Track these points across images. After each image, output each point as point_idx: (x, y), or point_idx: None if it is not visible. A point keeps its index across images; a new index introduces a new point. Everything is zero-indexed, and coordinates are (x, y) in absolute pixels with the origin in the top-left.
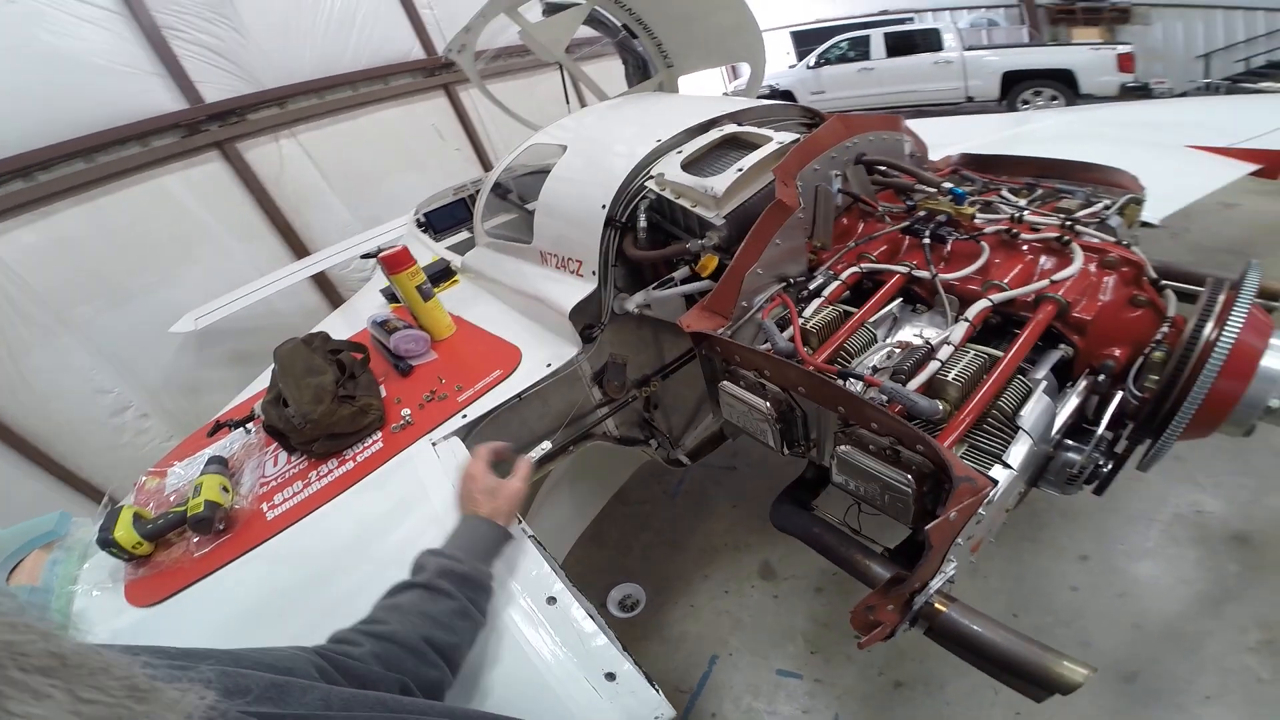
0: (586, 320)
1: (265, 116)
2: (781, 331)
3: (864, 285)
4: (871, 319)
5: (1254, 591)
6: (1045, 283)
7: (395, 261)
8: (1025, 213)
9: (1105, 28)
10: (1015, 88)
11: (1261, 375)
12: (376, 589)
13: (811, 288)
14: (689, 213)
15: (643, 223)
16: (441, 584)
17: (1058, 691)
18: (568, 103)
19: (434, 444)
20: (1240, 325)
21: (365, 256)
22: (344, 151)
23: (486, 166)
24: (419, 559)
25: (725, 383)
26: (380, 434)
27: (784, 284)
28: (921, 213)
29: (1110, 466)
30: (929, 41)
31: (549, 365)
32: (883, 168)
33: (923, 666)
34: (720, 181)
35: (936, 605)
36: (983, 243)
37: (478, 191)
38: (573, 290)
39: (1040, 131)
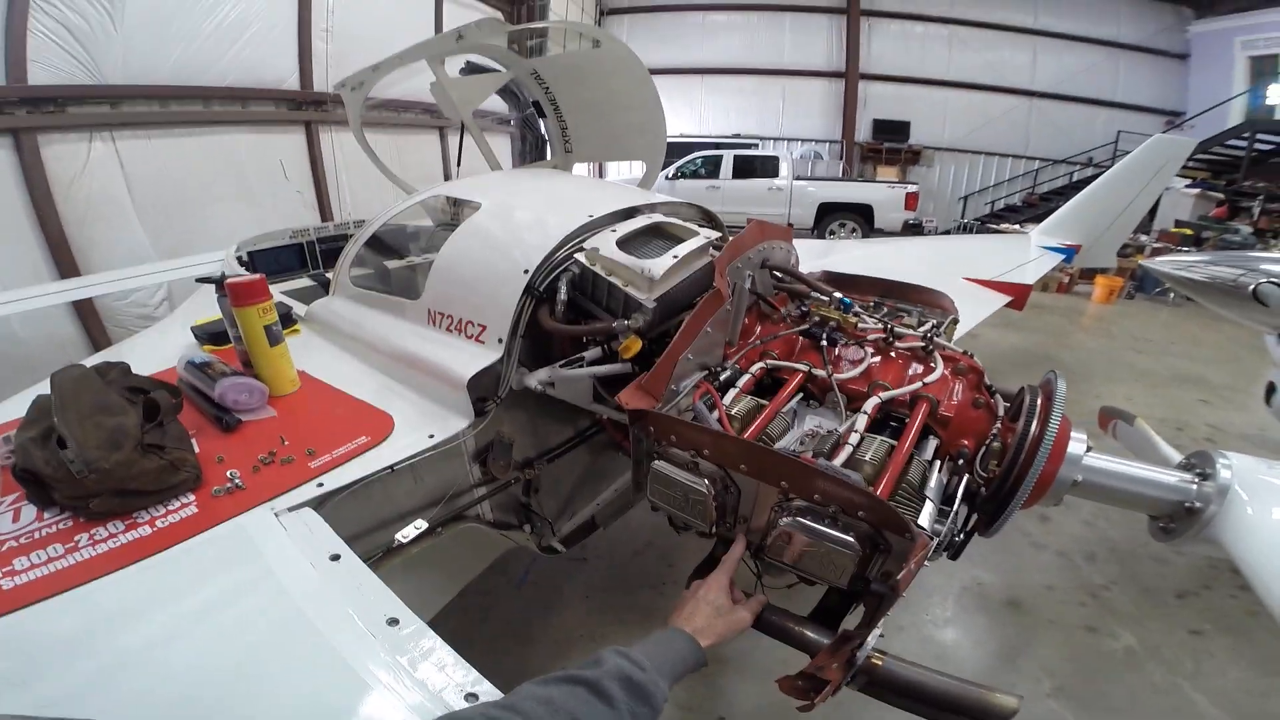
0: (480, 392)
1: (89, 113)
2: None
3: (764, 381)
4: (782, 409)
5: (1034, 647)
6: (920, 384)
7: (247, 291)
8: (894, 325)
9: (900, 167)
10: (826, 218)
11: (1069, 459)
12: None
13: (723, 379)
14: (615, 292)
15: (563, 295)
16: (610, 688)
17: None
18: (457, 165)
19: (276, 514)
20: (1059, 423)
21: (203, 280)
22: (166, 169)
23: (326, 216)
24: (601, 652)
25: (659, 463)
26: (194, 497)
27: (705, 373)
28: (816, 318)
29: (963, 536)
30: (767, 168)
31: (431, 436)
32: (780, 274)
33: None
34: (658, 265)
35: (874, 659)
36: (865, 348)
37: (321, 239)
38: (470, 358)
39: (851, 259)
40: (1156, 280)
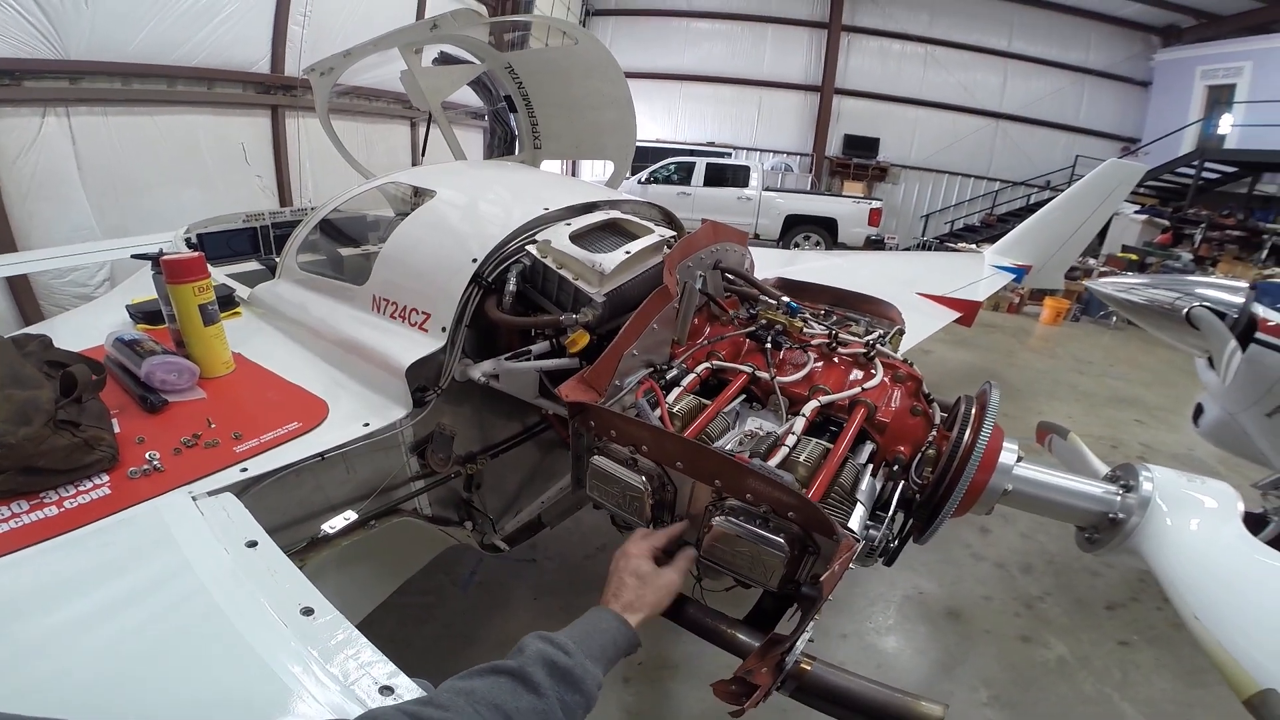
0: (421, 382)
1: (46, 87)
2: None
3: (710, 381)
4: (724, 409)
5: (972, 656)
6: (858, 390)
7: (183, 269)
8: (839, 332)
9: (867, 183)
10: (792, 230)
11: (1000, 469)
12: (76, 680)
13: (669, 377)
14: (565, 285)
15: (511, 286)
16: (535, 675)
17: None
18: (422, 155)
19: (194, 498)
20: (992, 432)
21: (140, 256)
22: (120, 147)
23: (286, 203)
24: (523, 639)
25: (598, 458)
26: (109, 478)
27: (651, 370)
28: (763, 321)
29: (897, 542)
30: (738, 177)
31: (366, 425)
32: (732, 276)
33: None
34: (610, 259)
35: (802, 664)
36: (809, 353)
37: (275, 223)
38: (411, 345)
39: (810, 270)
40: (1101, 304)
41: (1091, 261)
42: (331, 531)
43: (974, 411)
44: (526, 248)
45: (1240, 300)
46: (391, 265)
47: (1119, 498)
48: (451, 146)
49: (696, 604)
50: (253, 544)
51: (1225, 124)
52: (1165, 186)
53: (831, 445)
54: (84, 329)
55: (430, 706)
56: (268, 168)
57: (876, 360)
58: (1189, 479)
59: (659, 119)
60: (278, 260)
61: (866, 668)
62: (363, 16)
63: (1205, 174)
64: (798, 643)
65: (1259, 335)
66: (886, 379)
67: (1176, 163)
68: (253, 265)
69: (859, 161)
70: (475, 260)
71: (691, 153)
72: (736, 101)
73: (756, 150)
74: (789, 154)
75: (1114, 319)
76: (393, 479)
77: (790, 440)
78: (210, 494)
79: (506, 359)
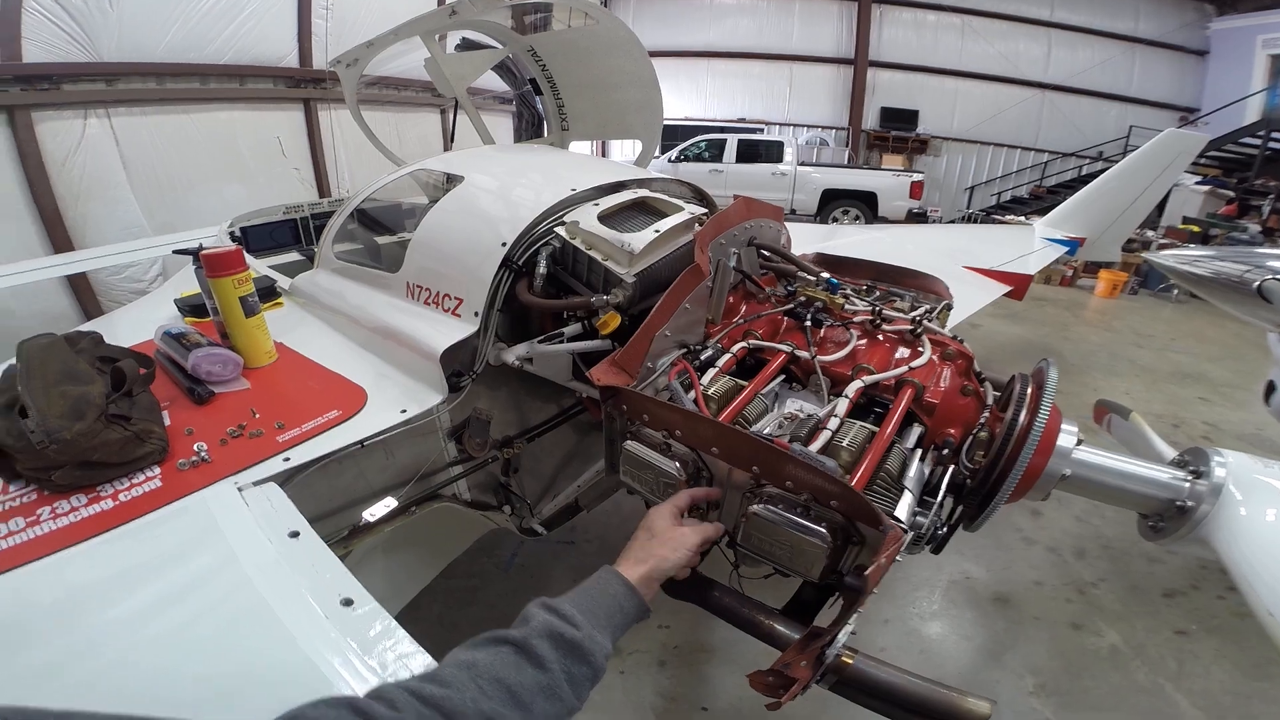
0: (456, 367)
1: (84, 90)
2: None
3: (747, 361)
4: (762, 391)
5: (1021, 643)
6: (905, 369)
7: (222, 262)
8: (882, 308)
9: (907, 156)
10: (830, 205)
11: (1058, 452)
12: (126, 672)
13: (703, 358)
14: (595, 267)
15: (542, 269)
16: (539, 647)
17: None
18: (450, 142)
19: (240, 489)
20: (1049, 413)
21: (181, 252)
22: (162, 146)
23: (324, 194)
24: (527, 608)
25: (630, 443)
26: (160, 470)
27: (684, 351)
28: (802, 298)
29: (946, 529)
30: (772, 153)
31: (404, 411)
32: (768, 253)
33: None
34: (638, 239)
35: (844, 658)
36: (851, 330)
37: (314, 215)
38: (446, 331)
39: (850, 245)
40: (1161, 276)
41: (1150, 233)
42: (373, 519)
43: (1029, 391)
44: (555, 229)
45: None
46: (424, 251)
47: (1188, 484)
48: (480, 132)
49: (733, 592)
50: (295, 534)
51: None
52: (1228, 157)
53: (877, 428)
54: (138, 324)
55: (433, 684)
56: (305, 160)
57: (924, 337)
58: (1265, 464)
59: (687, 97)
60: (315, 250)
61: (909, 654)
62: (382, 6)
63: (1272, 144)
64: (839, 636)
65: None
66: (935, 357)
67: (1240, 133)
68: (294, 256)
69: (898, 134)
70: (505, 244)
71: (722, 129)
72: (766, 77)
73: (790, 125)
74: (824, 128)
75: (1176, 291)
76: (432, 465)
77: (833, 423)
78: (255, 484)
79: (539, 342)
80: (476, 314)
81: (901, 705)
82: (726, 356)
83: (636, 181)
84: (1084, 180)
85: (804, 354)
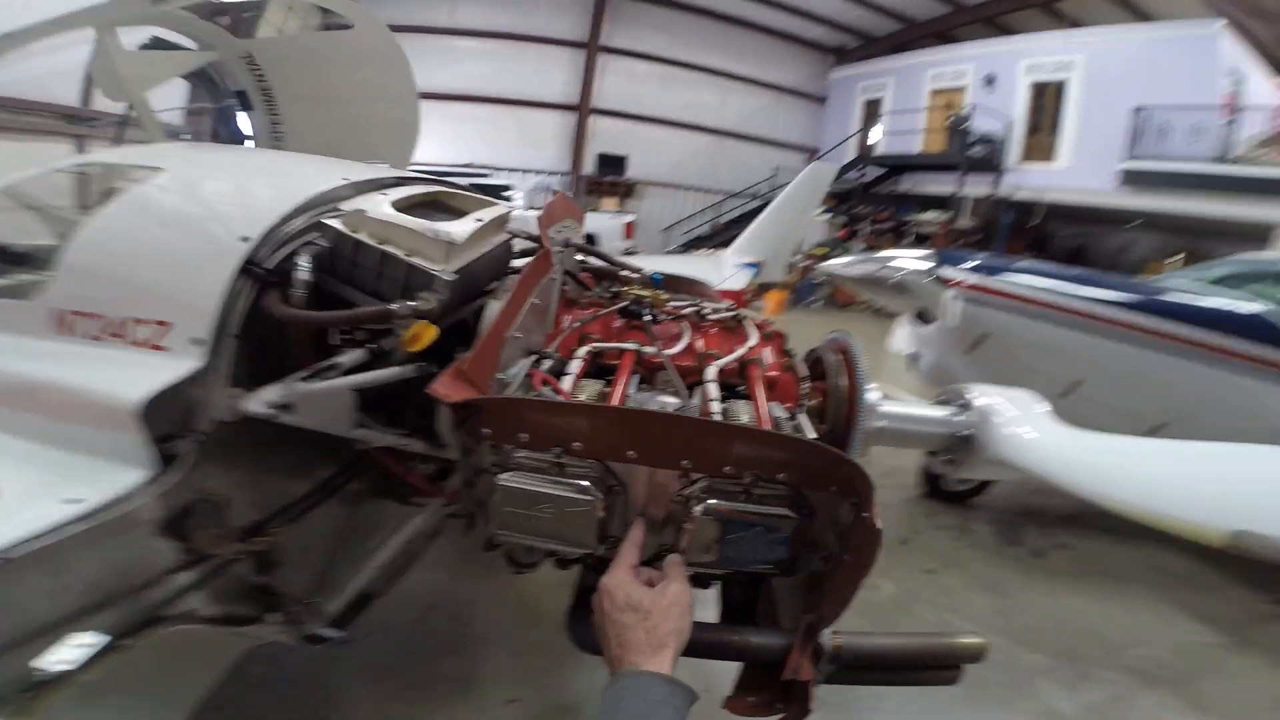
0: (166, 427)
1: None
2: None
3: (588, 368)
4: (629, 393)
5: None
6: (746, 348)
7: None
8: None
9: (620, 199)
10: None
11: (870, 407)
12: None
13: (546, 368)
14: (392, 266)
15: (305, 274)
16: None
17: (970, 662)
18: None
19: None
20: (864, 379)
21: None
22: None
23: None
24: None
25: (506, 475)
26: None
27: (534, 359)
28: (631, 297)
29: None
30: (499, 198)
31: (72, 501)
32: (586, 253)
33: None
34: (458, 228)
35: (835, 643)
36: (683, 323)
37: None
38: (140, 372)
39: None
40: (804, 293)
41: (794, 257)
42: (50, 672)
43: (842, 359)
44: (324, 223)
45: (929, 265)
46: (89, 265)
47: (963, 416)
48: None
49: (700, 624)
50: None
51: (875, 133)
52: (837, 190)
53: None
54: None
55: None
56: None
57: (745, 322)
58: (999, 389)
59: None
60: None
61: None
62: None
63: (864, 177)
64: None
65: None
66: (759, 337)
67: (847, 167)
68: None
69: (611, 179)
70: (246, 240)
71: (449, 174)
72: (496, 121)
73: (517, 170)
74: (550, 173)
75: (814, 303)
76: (139, 576)
77: (716, 408)
78: None
79: (303, 379)
80: (197, 343)
81: (900, 666)
82: (577, 362)
83: (417, 178)
84: (750, 216)
85: (649, 350)
